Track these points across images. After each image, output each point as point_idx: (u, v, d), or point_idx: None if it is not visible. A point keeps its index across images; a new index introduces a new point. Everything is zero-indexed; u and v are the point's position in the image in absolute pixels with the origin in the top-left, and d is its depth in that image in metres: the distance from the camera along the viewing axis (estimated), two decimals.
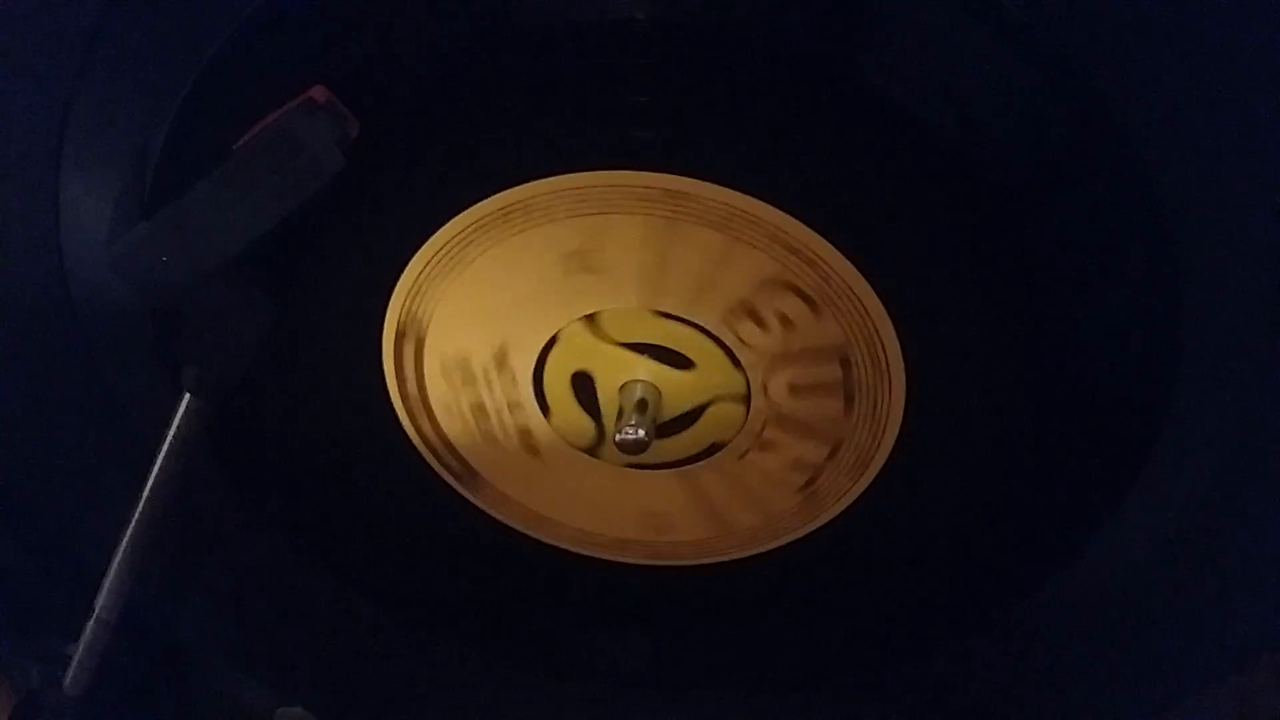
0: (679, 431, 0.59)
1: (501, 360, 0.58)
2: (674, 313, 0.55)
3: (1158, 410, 0.53)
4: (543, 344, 0.57)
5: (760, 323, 0.54)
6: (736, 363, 0.56)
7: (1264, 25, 0.44)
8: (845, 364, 0.54)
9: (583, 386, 0.59)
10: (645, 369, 0.57)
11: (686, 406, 0.58)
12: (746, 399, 0.57)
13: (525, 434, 0.61)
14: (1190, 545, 0.58)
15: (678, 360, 0.57)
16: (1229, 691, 0.64)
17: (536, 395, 0.59)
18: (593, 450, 0.60)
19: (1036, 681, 0.66)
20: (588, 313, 0.56)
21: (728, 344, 0.55)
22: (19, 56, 0.53)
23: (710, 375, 0.57)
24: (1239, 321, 0.50)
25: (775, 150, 0.49)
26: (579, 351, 0.58)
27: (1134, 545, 0.58)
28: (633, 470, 0.61)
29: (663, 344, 0.57)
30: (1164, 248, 0.49)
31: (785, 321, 0.54)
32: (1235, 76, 0.45)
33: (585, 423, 0.60)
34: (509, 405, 0.60)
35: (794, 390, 0.56)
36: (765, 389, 0.56)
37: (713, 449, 0.59)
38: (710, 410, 0.58)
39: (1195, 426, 0.53)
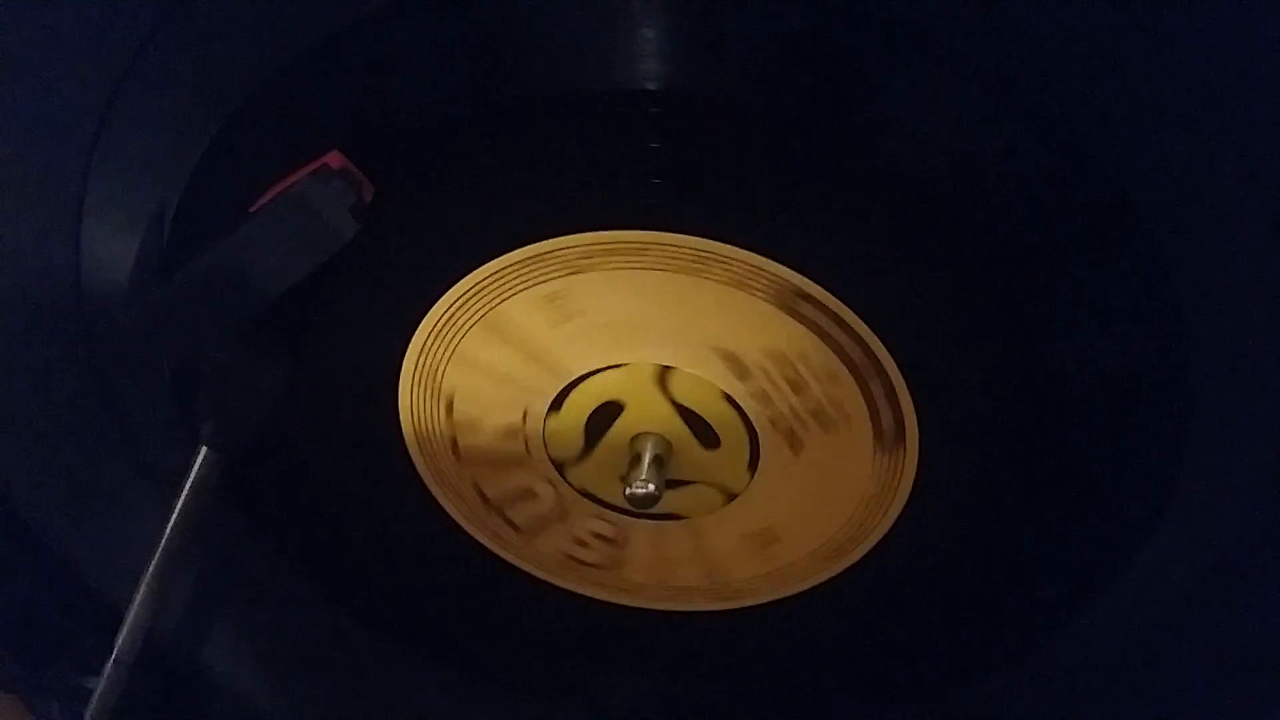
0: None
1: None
2: (738, 400, 0.56)
3: (1177, 450, 0.53)
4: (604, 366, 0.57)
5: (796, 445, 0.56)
6: (753, 467, 0.57)
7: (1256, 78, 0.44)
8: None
9: (602, 414, 0.58)
10: (675, 430, 0.57)
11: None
12: (731, 498, 0.58)
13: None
14: (1219, 581, 0.57)
15: (708, 437, 0.57)
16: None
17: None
18: (562, 466, 0.60)
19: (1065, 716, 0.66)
20: (666, 364, 0.56)
21: (761, 450, 0.56)
22: (42, 118, 0.54)
23: (723, 465, 0.57)
24: (1249, 358, 0.50)
25: (791, 218, 0.50)
26: (627, 384, 0.57)
27: (1159, 585, 0.58)
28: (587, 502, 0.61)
29: (707, 418, 0.57)
30: (1170, 309, 0.49)
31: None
32: (1231, 124, 0.45)
33: (576, 439, 0.59)
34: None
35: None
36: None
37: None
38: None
39: (1215, 464, 0.53)
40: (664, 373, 0.56)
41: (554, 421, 0.58)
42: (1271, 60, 0.43)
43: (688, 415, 0.57)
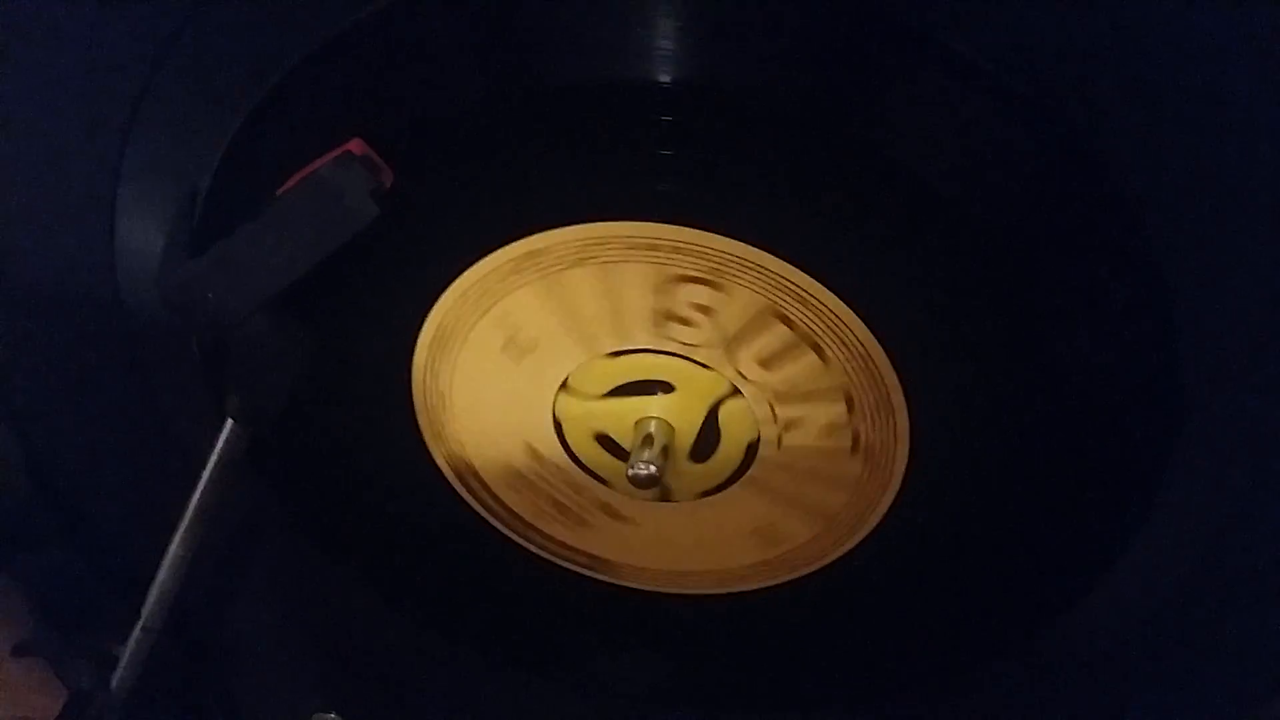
0: (713, 450, 0.60)
1: (536, 455, 0.62)
2: (618, 349, 0.57)
3: (1167, 438, 0.54)
4: (552, 428, 0.61)
5: (685, 321, 0.56)
6: (703, 365, 0.57)
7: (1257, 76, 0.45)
8: (787, 321, 0.54)
9: (609, 445, 0.61)
10: (639, 406, 0.59)
11: (697, 424, 0.59)
12: (736, 391, 0.58)
13: (607, 508, 0.64)
14: (1212, 573, 0.58)
15: (660, 386, 0.59)
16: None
17: (586, 471, 0.62)
18: (665, 496, 0.62)
19: (1058, 711, 0.67)
20: (559, 383, 0.59)
21: (680, 352, 0.57)
22: (77, 107, 0.56)
23: (692, 387, 0.58)
24: (1238, 347, 0.51)
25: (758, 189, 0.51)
26: (582, 418, 0.60)
27: (1154, 576, 0.59)
28: (705, 500, 0.62)
29: (635, 378, 0.58)
30: (1159, 296, 0.50)
31: (703, 310, 0.55)
32: (1231, 122, 0.46)
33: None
34: (574, 488, 0.63)
35: (763, 363, 0.57)
36: (742, 375, 0.57)
37: (752, 450, 0.60)
38: (721, 417, 0.59)
39: (1205, 453, 0.54)
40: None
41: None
42: (1272, 57, 0.44)
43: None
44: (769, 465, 0.60)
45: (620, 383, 0.59)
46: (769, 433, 0.59)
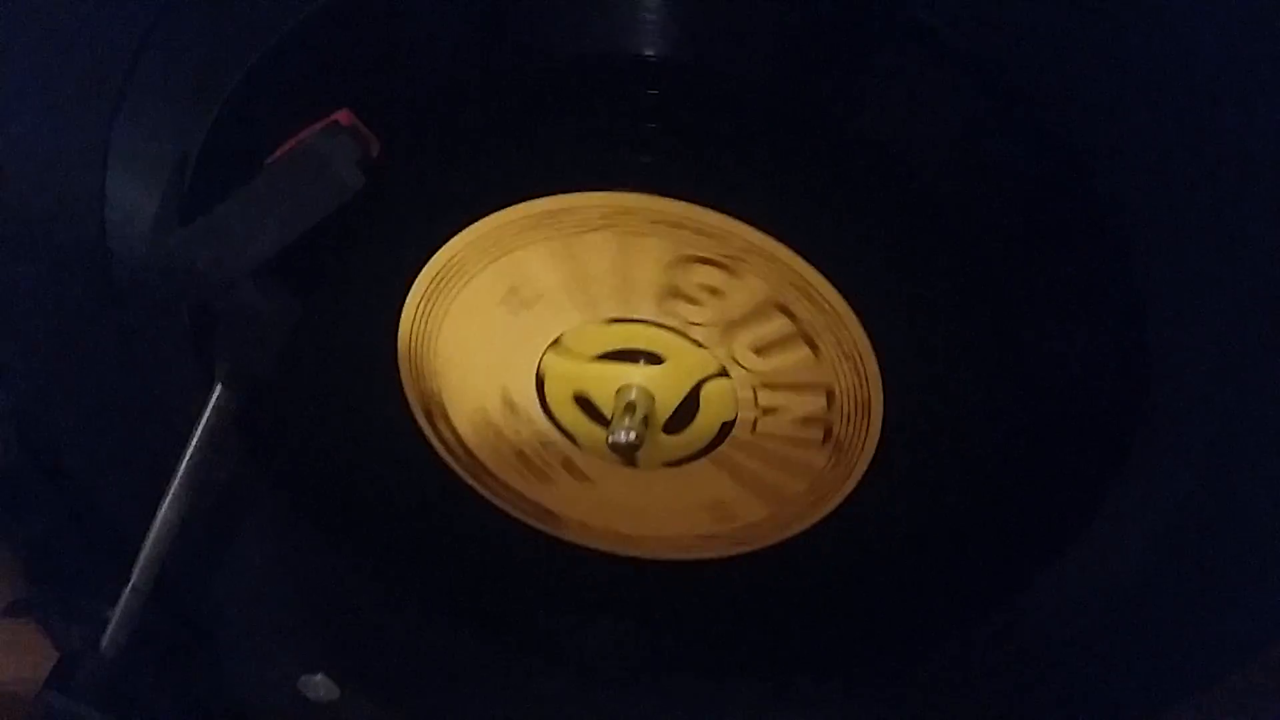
0: (688, 424, 0.61)
1: (511, 405, 0.63)
2: (619, 316, 0.58)
3: (1137, 409, 0.55)
4: (534, 381, 0.62)
5: (691, 299, 0.57)
6: (697, 343, 0.58)
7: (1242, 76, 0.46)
8: (789, 314, 0.55)
9: (587, 407, 0.62)
10: (625, 374, 0.60)
11: (679, 398, 0.60)
12: (725, 373, 0.59)
13: (569, 464, 0.65)
14: (1182, 541, 0.59)
15: (649, 358, 0.60)
16: (1227, 694, 0.66)
17: (557, 428, 0.63)
18: (629, 461, 0.63)
19: (1030, 682, 0.68)
20: (551, 340, 0.60)
21: (678, 329, 0.58)
22: (70, 74, 0.57)
23: (682, 362, 0.59)
24: (1208, 328, 0.52)
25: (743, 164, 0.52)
26: (566, 377, 0.61)
27: (1125, 543, 0.60)
28: (667, 470, 0.63)
29: (628, 347, 0.60)
30: (1132, 289, 0.51)
31: (711, 291, 0.56)
32: (1206, 117, 0.47)
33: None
34: (541, 444, 0.64)
35: (758, 350, 0.58)
36: (734, 358, 0.58)
37: (725, 429, 0.61)
38: (703, 394, 0.60)
39: (1174, 424, 0.55)
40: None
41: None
42: (1247, 59, 0.45)
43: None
44: (738, 446, 0.61)
45: (613, 348, 0.60)
46: (746, 415, 0.60)
